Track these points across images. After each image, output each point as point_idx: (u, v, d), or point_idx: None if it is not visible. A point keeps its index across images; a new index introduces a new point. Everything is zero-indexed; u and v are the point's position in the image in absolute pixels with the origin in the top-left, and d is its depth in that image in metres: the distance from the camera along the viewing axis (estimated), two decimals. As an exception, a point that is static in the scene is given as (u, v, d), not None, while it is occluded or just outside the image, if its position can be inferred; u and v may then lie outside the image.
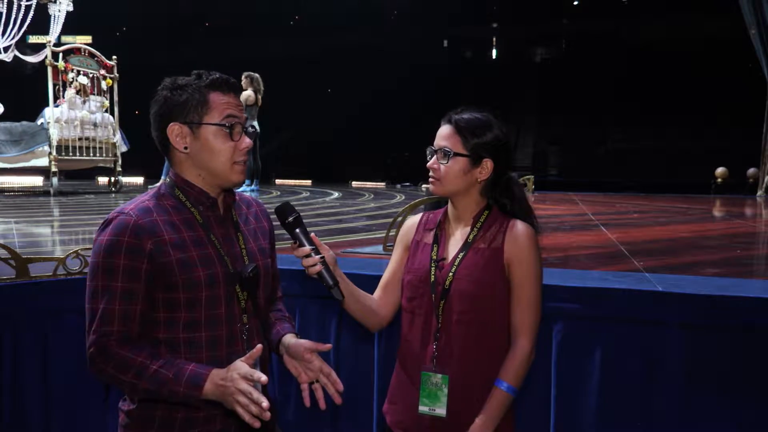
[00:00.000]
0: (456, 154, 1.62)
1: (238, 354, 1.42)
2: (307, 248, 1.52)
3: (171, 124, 1.43)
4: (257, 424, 1.29)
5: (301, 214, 1.54)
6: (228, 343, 1.46)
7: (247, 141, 1.47)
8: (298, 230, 1.52)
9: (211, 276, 1.43)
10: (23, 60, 10.56)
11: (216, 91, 1.44)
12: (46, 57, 8.54)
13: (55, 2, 10.19)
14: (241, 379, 1.29)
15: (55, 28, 10.34)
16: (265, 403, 1.26)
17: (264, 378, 1.28)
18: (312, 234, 1.55)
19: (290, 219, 1.52)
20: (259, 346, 1.36)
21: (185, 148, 1.44)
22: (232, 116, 1.44)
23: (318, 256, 1.52)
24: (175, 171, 1.49)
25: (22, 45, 10.64)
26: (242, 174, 1.48)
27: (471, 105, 1.68)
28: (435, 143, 1.66)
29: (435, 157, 1.65)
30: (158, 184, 1.53)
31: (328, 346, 1.51)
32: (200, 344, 1.43)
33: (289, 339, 1.54)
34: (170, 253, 1.39)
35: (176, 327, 1.42)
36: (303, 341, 1.51)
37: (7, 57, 10.37)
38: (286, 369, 1.53)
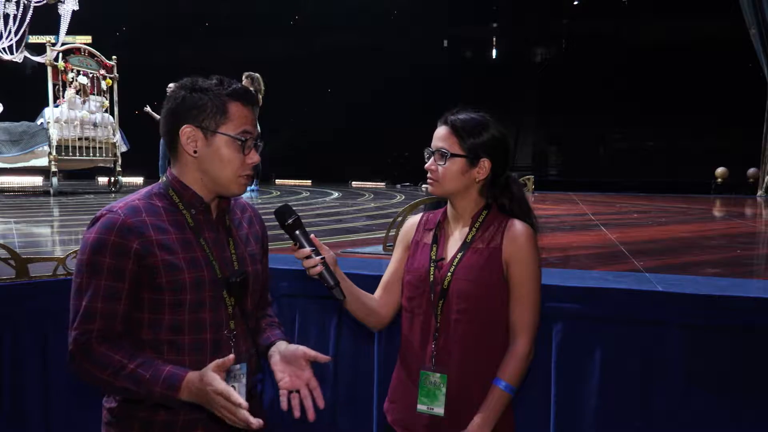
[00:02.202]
0: (453, 155, 1.62)
1: None
2: (308, 249, 1.52)
3: (185, 125, 1.41)
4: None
5: (301, 214, 1.55)
6: (213, 348, 1.45)
7: (255, 157, 1.46)
8: (297, 232, 1.53)
9: (198, 279, 1.42)
10: (27, 60, 10.55)
11: (236, 101, 1.42)
12: (46, 57, 8.55)
13: (63, 2, 10.18)
14: (217, 396, 1.27)
15: (63, 27, 10.32)
16: (254, 423, 1.25)
17: (243, 403, 1.25)
18: (312, 235, 1.56)
19: (290, 221, 1.52)
20: (231, 356, 1.31)
21: (195, 152, 1.42)
22: (248, 131, 1.43)
23: (318, 257, 1.53)
24: (175, 171, 1.48)
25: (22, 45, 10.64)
26: (244, 187, 1.47)
27: (468, 105, 1.68)
28: (432, 144, 1.66)
29: (432, 158, 1.65)
30: (153, 184, 1.52)
31: (328, 358, 1.50)
32: (183, 347, 1.42)
33: (283, 344, 1.53)
34: (156, 254, 1.38)
35: (160, 328, 1.41)
36: (302, 347, 1.49)
37: (18, 58, 10.36)
38: None
